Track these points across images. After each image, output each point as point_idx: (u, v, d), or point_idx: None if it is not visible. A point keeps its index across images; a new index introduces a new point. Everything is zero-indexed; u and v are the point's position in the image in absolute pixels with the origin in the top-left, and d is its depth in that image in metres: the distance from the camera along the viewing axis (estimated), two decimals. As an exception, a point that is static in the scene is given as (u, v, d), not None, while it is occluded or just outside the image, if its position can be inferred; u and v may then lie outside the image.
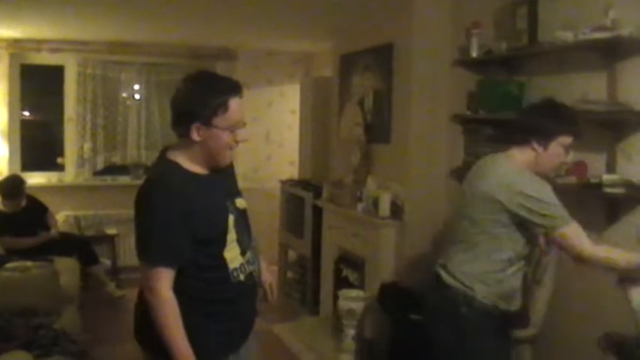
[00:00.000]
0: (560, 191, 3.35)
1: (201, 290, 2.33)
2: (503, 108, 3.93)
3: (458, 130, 4.57)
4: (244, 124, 2.35)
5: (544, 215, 2.70)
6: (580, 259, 2.70)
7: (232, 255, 2.38)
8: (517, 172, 2.78)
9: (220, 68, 7.58)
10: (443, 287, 2.94)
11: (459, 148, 4.63)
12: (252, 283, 2.51)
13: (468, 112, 4.31)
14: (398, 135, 4.92)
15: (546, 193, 2.71)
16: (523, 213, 2.71)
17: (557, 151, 2.78)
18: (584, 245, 2.68)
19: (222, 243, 2.35)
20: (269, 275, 2.81)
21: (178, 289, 2.28)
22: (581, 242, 2.68)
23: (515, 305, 2.96)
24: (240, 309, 2.46)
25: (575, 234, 2.70)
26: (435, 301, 3.05)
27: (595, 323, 3.44)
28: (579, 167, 3.55)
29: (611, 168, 3.43)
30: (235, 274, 2.38)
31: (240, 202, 2.51)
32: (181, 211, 2.22)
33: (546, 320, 3.66)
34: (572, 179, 3.49)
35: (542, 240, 3.08)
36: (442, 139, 4.79)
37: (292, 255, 6.85)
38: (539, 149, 2.76)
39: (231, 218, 2.40)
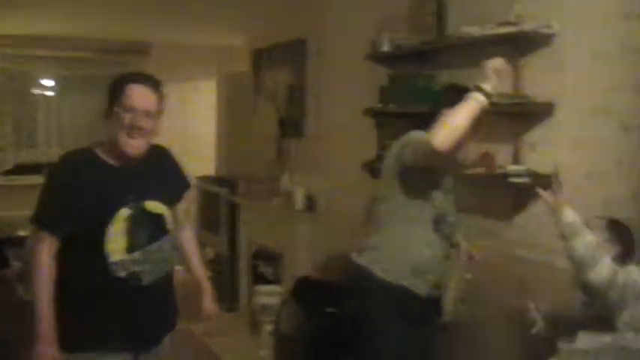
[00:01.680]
0: (469, 182, 3.53)
1: (79, 272, 2.40)
2: (414, 101, 3.96)
3: (370, 124, 4.59)
4: (148, 114, 2.45)
5: (409, 143, 2.78)
6: (435, 149, 2.51)
7: (114, 247, 2.40)
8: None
9: (134, 63, 7.42)
10: (353, 268, 2.94)
11: (372, 141, 4.65)
12: (140, 286, 2.49)
13: (380, 106, 4.33)
14: (311, 129, 4.94)
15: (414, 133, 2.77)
16: (403, 157, 2.76)
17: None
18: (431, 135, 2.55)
19: (102, 230, 2.38)
20: (212, 306, 2.92)
21: (66, 267, 2.41)
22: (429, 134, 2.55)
23: (425, 288, 2.95)
24: (120, 308, 2.45)
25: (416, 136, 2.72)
26: (348, 284, 3.04)
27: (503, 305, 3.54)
28: (486, 158, 3.60)
29: (516, 159, 3.50)
30: (114, 267, 2.40)
31: (151, 205, 2.52)
32: (74, 187, 2.39)
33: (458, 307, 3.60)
34: (480, 170, 3.53)
35: (463, 254, 3.14)
36: (355, 132, 4.81)
37: (209, 253, 6.77)
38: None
39: (123, 211, 2.43)
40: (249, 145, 6.06)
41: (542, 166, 3.35)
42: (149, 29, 6.83)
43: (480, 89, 2.53)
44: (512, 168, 3.38)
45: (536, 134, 3.43)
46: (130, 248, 2.44)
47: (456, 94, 2.80)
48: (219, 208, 6.28)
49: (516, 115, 3.46)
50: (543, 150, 3.39)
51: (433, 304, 3.06)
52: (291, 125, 5.15)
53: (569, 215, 2.62)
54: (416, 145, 2.69)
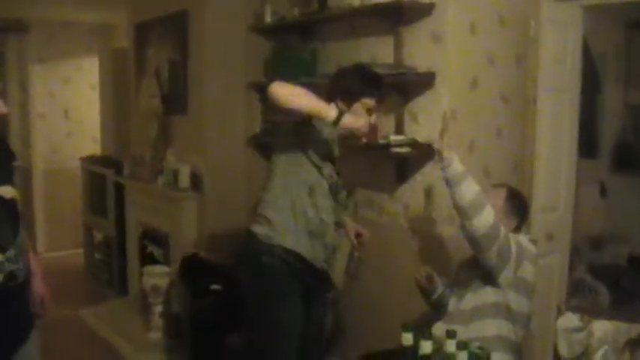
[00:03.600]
0: (352, 153, 3.43)
1: None
2: (298, 74, 3.86)
3: (255, 98, 4.51)
4: None
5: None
6: (268, 91, 2.67)
7: None
8: None
9: (12, 41, 7.03)
10: (250, 239, 2.88)
11: (256, 116, 4.59)
12: (16, 284, 2.18)
13: (265, 80, 4.21)
14: (194, 105, 4.81)
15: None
16: None
17: (360, 111, 2.78)
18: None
19: None
20: (42, 286, 2.53)
21: None
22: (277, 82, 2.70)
23: (322, 254, 2.91)
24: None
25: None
26: (242, 257, 2.97)
27: (384, 282, 3.59)
28: (371, 129, 3.51)
29: (399, 129, 3.50)
30: None
31: (3, 190, 2.18)
32: None
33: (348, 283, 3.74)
34: (363, 141, 3.46)
35: (351, 233, 3.11)
36: (239, 108, 4.72)
37: (98, 236, 6.55)
38: (343, 108, 2.75)
39: None
40: (133, 124, 5.86)
41: (424, 136, 3.36)
42: (27, 6, 6.45)
43: (341, 114, 2.59)
44: (395, 138, 3.36)
45: (418, 105, 3.43)
46: (1, 248, 2.10)
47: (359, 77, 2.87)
48: (106, 189, 6.08)
49: (398, 86, 3.44)
50: (425, 120, 3.40)
51: (324, 277, 3.03)
52: (174, 102, 4.99)
53: (458, 164, 2.60)
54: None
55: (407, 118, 3.50)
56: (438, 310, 2.93)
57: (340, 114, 2.59)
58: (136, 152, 5.61)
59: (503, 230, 2.57)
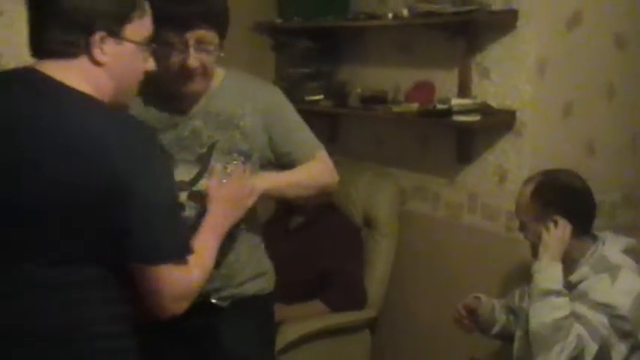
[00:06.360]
0: (398, 122, 3.18)
1: None
2: (325, 12, 3.42)
3: (265, 44, 3.82)
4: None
5: None
6: None
7: None
8: None
9: None
10: None
11: (268, 67, 3.89)
12: None
13: (279, 21, 3.65)
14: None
15: None
16: None
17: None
18: None
19: None
20: None
21: None
22: None
23: None
24: None
25: None
26: None
27: (440, 303, 3.07)
28: (423, 89, 3.04)
29: (464, 89, 2.92)
30: None
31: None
32: None
33: (389, 297, 3.27)
34: (414, 106, 2.95)
35: None
36: (243, 56, 3.80)
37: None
38: None
39: None
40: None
41: (499, 99, 2.79)
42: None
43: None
44: (457, 102, 2.79)
45: (492, 55, 2.83)
46: None
47: None
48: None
49: (463, 29, 2.86)
50: (501, 77, 2.80)
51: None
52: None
53: (548, 276, 2.19)
54: None
55: (475, 75, 2.90)
56: (507, 340, 2.48)
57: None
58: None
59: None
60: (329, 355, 2.89)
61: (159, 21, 1.71)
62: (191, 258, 1.57)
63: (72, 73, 1.48)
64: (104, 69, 1.52)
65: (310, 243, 3.01)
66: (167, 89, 1.93)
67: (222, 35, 1.95)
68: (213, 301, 2.08)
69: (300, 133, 2.16)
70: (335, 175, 2.20)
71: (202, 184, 1.92)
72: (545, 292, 2.16)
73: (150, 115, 1.97)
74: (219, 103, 2.03)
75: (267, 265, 2.24)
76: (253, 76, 2.21)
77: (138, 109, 1.94)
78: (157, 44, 1.72)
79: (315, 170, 2.13)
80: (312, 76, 3.37)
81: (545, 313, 2.14)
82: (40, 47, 1.51)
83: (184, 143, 1.99)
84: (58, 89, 1.47)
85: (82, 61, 1.49)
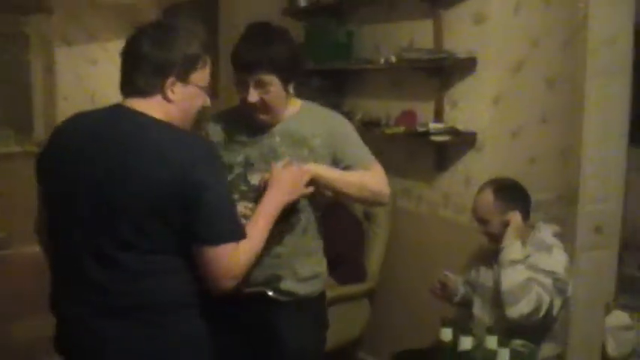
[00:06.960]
0: (389, 141, 3.46)
1: None
2: (333, 57, 3.78)
3: None
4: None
5: None
6: None
7: None
8: None
9: (34, 23, 6.90)
10: None
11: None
12: None
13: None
14: (225, 90, 4.59)
15: None
16: None
17: None
18: None
19: None
20: None
21: None
22: None
23: None
24: None
25: None
26: None
27: (421, 278, 3.40)
28: (408, 116, 3.48)
29: (438, 116, 3.35)
30: None
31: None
32: None
33: (383, 274, 3.65)
34: (401, 129, 3.41)
35: None
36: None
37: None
38: None
39: None
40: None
41: (464, 123, 3.23)
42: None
43: None
44: (434, 126, 3.23)
45: (458, 91, 3.28)
46: None
47: None
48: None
49: (437, 71, 3.30)
50: (465, 107, 3.25)
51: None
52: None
53: (513, 250, 2.59)
54: None
55: (447, 105, 3.34)
56: (465, 306, 2.90)
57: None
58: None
59: (544, 310, 2.51)
60: (338, 317, 2.95)
61: (234, 64, 2.10)
62: (242, 242, 1.75)
63: (152, 107, 1.77)
64: (174, 104, 1.79)
65: (324, 232, 3.18)
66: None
67: (283, 78, 2.10)
68: (270, 293, 2.19)
69: (359, 150, 2.25)
70: (387, 186, 2.26)
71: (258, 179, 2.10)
72: (513, 261, 2.54)
73: (240, 131, 2.20)
74: (295, 126, 2.17)
75: (323, 267, 2.33)
76: (324, 107, 2.34)
77: (232, 125, 2.21)
78: (234, 82, 2.08)
79: (367, 176, 2.20)
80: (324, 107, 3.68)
81: (515, 276, 2.50)
82: (129, 87, 1.79)
83: (263, 156, 2.17)
84: (148, 119, 1.75)
85: (158, 98, 1.77)
